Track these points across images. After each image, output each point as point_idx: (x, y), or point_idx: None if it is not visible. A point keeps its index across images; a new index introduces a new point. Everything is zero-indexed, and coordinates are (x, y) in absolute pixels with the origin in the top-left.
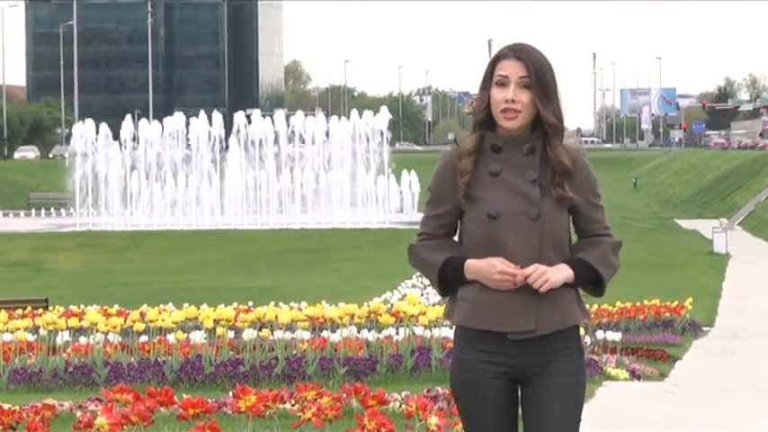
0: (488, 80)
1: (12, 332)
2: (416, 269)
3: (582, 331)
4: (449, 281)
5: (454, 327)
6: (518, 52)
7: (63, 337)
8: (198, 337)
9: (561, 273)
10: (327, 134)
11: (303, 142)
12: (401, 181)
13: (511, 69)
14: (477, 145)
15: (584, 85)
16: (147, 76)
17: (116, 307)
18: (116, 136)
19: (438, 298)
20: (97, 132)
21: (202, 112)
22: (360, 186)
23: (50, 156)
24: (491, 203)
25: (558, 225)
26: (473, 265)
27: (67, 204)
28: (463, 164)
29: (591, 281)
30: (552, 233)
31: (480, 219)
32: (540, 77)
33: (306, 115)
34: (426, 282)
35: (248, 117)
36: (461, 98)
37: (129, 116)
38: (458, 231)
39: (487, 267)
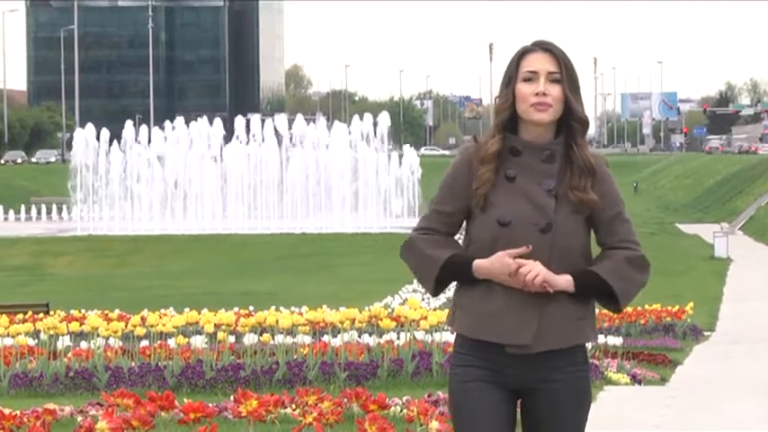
0: (513, 76)
1: (13, 337)
2: (409, 262)
3: None
4: (445, 280)
5: (455, 333)
6: (546, 46)
7: (64, 341)
8: (199, 341)
9: (560, 280)
10: (328, 138)
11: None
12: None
13: (539, 64)
14: (501, 148)
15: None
16: (148, 80)
17: (117, 311)
18: (117, 140)
19: (440, 302)
20: (98, 137)
21: (204, 117)
22: (360, 191)
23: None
24: (502, 209)
25: (573, 239)
26: (483, 267)
27: (68, 208)
28: (483, 171)
29: (599, 293)
30: (564, 247)
31: (489, 224)
32: (570, 72)
33: (307, 120)
34: None
35: (248, 121)
36: (462, 102)
37: (129, 121)
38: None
39: (501, 268)
